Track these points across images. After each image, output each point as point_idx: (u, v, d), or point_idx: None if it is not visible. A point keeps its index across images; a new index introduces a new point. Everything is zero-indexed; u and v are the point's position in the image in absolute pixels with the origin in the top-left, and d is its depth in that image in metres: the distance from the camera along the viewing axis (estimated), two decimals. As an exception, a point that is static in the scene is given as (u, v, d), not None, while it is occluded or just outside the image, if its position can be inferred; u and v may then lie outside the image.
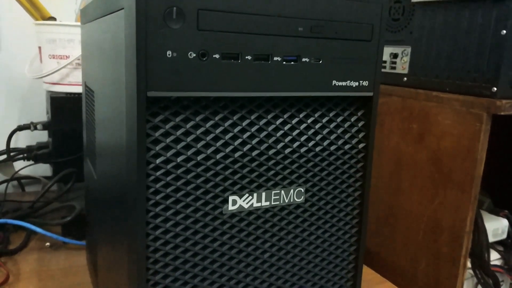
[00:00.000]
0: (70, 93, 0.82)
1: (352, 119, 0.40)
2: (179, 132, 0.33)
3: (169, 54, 0.31)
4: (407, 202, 0.73)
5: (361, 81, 0.39)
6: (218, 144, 0.35)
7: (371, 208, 0.80)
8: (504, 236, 0.78)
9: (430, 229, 0.70)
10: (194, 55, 0.32)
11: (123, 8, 0.32)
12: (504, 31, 0.60)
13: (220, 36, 0.32)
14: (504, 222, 0.78)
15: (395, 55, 0.77)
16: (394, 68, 0.77)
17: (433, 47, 0.70)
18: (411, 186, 0.72)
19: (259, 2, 0.33)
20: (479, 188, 0.65)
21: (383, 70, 0.79)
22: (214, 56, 0.32)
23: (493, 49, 0.62)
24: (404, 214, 0.74)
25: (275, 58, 0.35)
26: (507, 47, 0.61)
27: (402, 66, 0.75)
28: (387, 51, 0.78)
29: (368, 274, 0.73)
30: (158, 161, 0.33)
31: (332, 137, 0.40)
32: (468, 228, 0.65)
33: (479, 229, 0.71)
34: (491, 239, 0.74)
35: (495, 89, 0.62)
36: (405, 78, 0.74)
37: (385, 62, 0.78)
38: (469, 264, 0.70)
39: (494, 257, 0.75)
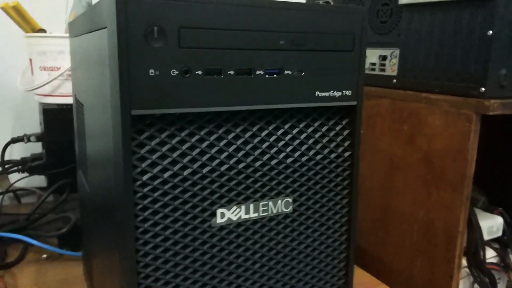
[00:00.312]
0: (62, 104, 0.82)
1: (337, 128, 0.41)
2: (165, 148, 0.34)
3: (151, 73, 0.31)
4: (401, 203, 0.74)
5: (344, 91, 0.39)
6: (204, 158, 0.35)
7: (364, 210, 0.81)
8: (499, 233, 0.78)
9: (424, 230, 0.70)
10: (177, 72, 0.32)
11: (106, 27, 0.33)
12: (491, 32, 0.61)
13: (201, 52, 0.33)
14: (499, 219, 0.78)
15: (384, 57, 0.77)
16: (383, 70, 0.77)
17: (422, 49, 0.70)
18: (404, 187, 0.73)
19: (239, 18, 0.34)
20: (471, 188, 0.65)
21: (372, 72, 0.79)
22: (196, 72, 0.33)
23: (481, 50, 0.62)
24: (397, 215, 0.74)
25: (258, 72, 0.35)
26: (494, 48, 0.61)
27: (391, 68, 0.76)
28: (376, 53, 0.78)
29: (364, 277, 0.74)
30: (145, 178, 0.33)
31: (318, 146, 0.40)
32: (462, 228, 0.65)
33: (474, 228, 0.71)
34: (486, 236, 0.74)
35: (483, 89, 0.62)
36: (395, 80, 0.75)
37: (374, 64, 0.79)
38: (465, 263, 0.71)
39: (490, 255, 0.75)
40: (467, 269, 0.72)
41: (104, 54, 0.34)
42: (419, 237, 0.71)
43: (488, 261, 0.73)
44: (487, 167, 0.92)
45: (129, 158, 0.32)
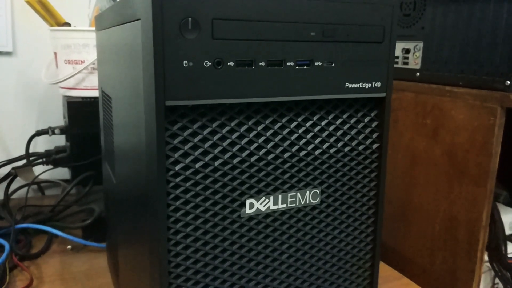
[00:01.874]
0: (86, 98, 0.83)
1: (366, 120, 0.41)
2: (196, 139, 0.34)
3: (185, 64, 0.32)
4: (422, 198, 0.73)
5: (373, 83, 0.39)
6: (235, 149, 0.36)
7: (386, 204, 0.80)
8: (521, 229, 0.78)
9: (446, 224, 0.70)
10: (210, 63, 0.33)
11: (139, 19, 0.33)
12: (517, 24, 0.60)
13: (234, 44, 0.33)
14: (521, 215, 0.78)
15: (407, 51, 0.77)
16: (406, 63, 0.77)
17: (445, 42, 0.69)
18: (426, 181, 0.73)
19: (271, 9, 0.34)
20: (495, 182, 0.64)
21: (395, 65, 0.79)
22: (228, 63, 0.33)
23: (506, 43, 0.61)
24: (419, 209, 0.74)
25: (288, 63, 0.35)
26: (520, 40, 0.61)
27: (415, 61, 0.75)
28: (399, 46, 0.78)
29: (385, 271, 0.74)
30: (177, 167, 0.34)
31: (346, 138, 0.40)
32: (485, 223, 0.65)
33: (496, 222, 0.70)
34: (507, 231, 0.74)
35: (509, 82, 0.61)
36: (418, 73, 0.74)
37: (397, 57, 0.78)
38: (486, 258, 0.70)
39: (511, 250, 0.75)
40: (488, 264, 0.71)
41: (136, 46, 0.34)
42: (441, 231, 0.70)
43: (509, 256, 0.73)
44: (508, 162, 0.91)
45: (162, 148, 0.33)
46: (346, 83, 0.38)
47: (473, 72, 0.66)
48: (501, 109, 0.62)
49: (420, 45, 0.74)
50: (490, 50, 0.63)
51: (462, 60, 0.67)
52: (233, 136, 0.36)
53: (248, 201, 0.37)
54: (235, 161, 0.36)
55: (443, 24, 0.70)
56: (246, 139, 0.36)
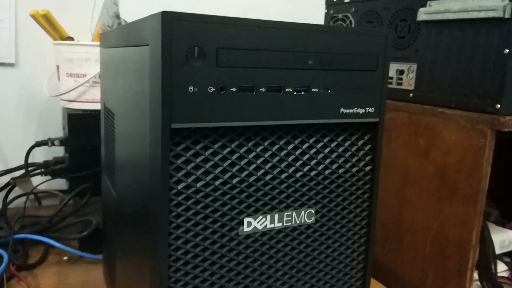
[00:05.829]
0: (87, 110, 0.85)
1: (359, 143, 0.43)
2: (198, 159, 0.36)
3: (191, 89, 0.34)
4: (414, 216, 0.75)
5: (367, 108, 0.41)
6: (234, 169, 0.37)
7: (378, 221, 0.82)
8: (511, 247, 0.79)
9: (436, 243, 0.71)
10: (213, 89, 0.34)
11: (148, 45, 0.35)
12: (507, 50, 0.62)
13: (237, 71, 0.35)
14: (511, 233, 0.79)
15: (401, 72, 0.79)
16: (400, 84, 0.79)
17: (439, 64, 0.72)
18: (418, 200, 0.74)
19: (271, 39, 0.36)
20: (485, 202, 0.66)
21: (389, 86, 0.81)
22: (231, 89, 0.35)
23: (497, 67, 0.64)
24: (411, 227, 0.76)
25: (287, 89, 0.37)
26: (510, 66, 0.63)
27: (408, 82, 0.77)
28: (393, 67, 0.80)
29: None
30: (180, 186, 0.35)
31: (341, 160, 0.42)
32: (474, 242, 0.67)
33: (486, 241, 0.72)
34: (498, 250, 0.75)
35: (499, 106, 0.64)
36: (411, 94, 0.76)
37: (391, 78, 0.81)
38: (476, 276, 0.72)
39: (501, 269, 0.76)
40: (478, 283, 0.73)
41: (144, 69, 0.36)
42: (432, 249, 0.72)
43: (499, 274, 0.74)
44: (500, 181, 0.93)
45: (166, 168, 0.34)
46: (341, 109, 0.40)
47: (465, 94, 0.68)
48: (491, 131, 0.64)
49: (414, 67, 0.76)
50: (481, 74, 0.66)
51: (454, 83, 0.69)
52: (233, 157, 0.37)
53: (246, 220, 0.38)
54: (234, 181, 0.37)
55: (436, 47, 0.72)
56: (245, 160, 0.38)
